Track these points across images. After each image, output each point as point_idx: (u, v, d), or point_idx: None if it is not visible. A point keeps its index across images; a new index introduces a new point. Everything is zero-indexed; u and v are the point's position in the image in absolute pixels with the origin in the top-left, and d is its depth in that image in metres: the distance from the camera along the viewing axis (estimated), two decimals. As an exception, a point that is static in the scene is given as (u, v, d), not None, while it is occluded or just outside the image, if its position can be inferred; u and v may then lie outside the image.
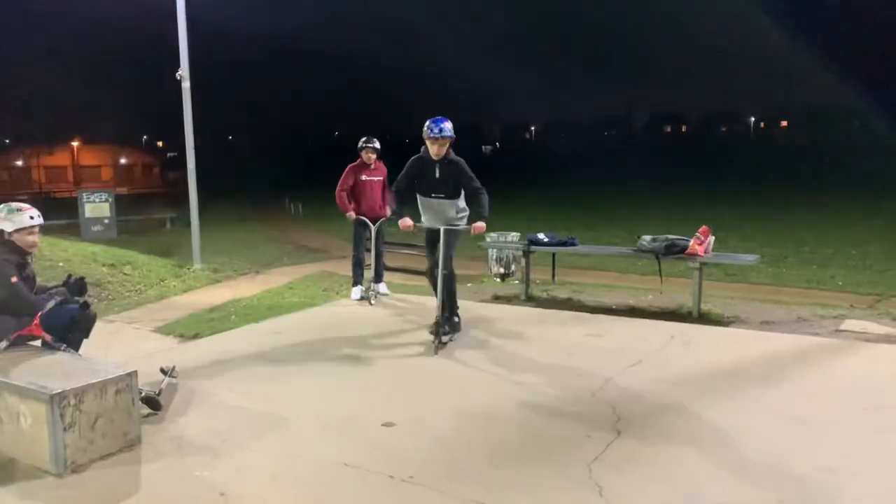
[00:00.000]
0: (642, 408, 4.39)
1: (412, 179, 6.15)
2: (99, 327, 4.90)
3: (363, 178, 7.93)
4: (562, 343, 5.91)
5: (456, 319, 6.27)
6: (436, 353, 5.66)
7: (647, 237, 7.49)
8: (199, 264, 12.41)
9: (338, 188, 7.90)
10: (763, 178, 40.58)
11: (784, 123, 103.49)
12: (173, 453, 3.89)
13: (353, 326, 6.72)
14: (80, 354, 4.49)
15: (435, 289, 6.10)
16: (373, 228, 7.86)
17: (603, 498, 3.28)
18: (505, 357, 5.55)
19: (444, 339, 5.87)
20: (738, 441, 3.88)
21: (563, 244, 8.07)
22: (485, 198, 5.97)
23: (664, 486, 3.39)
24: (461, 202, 6.20)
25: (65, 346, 4.44)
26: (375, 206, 7.95)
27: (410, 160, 6.14)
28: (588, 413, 4.33)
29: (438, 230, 6.05)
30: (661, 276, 7.61)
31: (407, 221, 6.08)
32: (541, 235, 8.18)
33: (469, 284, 9.74)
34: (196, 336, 6.84)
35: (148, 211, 27.72)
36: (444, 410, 4.40)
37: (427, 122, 5.96)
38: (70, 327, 4.54)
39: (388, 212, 7.70)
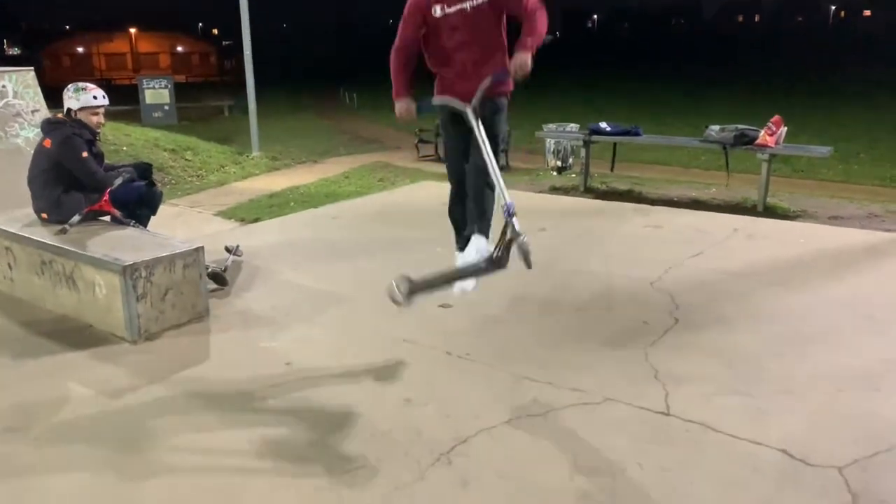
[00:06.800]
0: (702, 297, 4.34)
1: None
2: (163, 210, 5.03)
3: (439, 12, 3.51)
4: (620, 233, 5.83)
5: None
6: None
7: (716, 127, 7.19)
8: (257, 152, 12.53)
9: (393, 45, 3.66)
10: (839, 71, 38.22)
11: (867, 13, 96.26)
12: (240, 325, 4.05)
13: (410, 212, 6.74)
14: (148, 230, 4.63)
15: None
16: (472, 119, 3.32)
17: (658, 381, 3.30)
18: (560, 245, 5.51)
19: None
20: (801, 328, 3.83)
21: (627, 133, 7.83)
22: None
23: (722, 368, 3.39)
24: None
25: (133, 221, 4.58)
26: (471, 73, 3.52)
27: None
28: (645, 301, 4.30)
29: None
30: (727, 168, 7.35)
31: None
32: (603, 125, 7.94)
33: (526, 178, 9.61)
34: (257, 220, 6.97)
35: (206, 98, 27.83)
36: (499, 294, 4.43)
37: None
38: (138, 204, 4.67)
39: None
